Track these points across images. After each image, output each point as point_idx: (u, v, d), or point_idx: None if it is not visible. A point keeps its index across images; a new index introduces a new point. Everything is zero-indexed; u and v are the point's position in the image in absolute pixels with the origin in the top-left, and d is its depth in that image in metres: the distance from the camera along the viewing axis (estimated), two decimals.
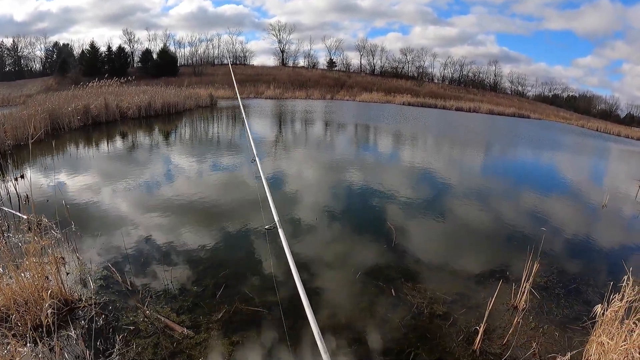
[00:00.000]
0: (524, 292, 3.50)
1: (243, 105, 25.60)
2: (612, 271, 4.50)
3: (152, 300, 3.38)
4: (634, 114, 62.15)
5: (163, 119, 16.63)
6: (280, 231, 2.46)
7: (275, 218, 2.76)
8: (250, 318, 3.26)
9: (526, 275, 3.47)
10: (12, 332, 2.69)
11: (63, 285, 3.25)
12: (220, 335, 3.04)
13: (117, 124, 14.36)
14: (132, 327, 3.02)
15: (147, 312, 3.21)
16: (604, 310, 3.06)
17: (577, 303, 3.80)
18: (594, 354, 2.87)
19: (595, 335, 2.97)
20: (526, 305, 3.52)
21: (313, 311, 2.02)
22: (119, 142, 11.33)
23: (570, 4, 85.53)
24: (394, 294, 3.74)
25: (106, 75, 19.30)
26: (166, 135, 13.07)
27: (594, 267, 4.75)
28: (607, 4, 78.67)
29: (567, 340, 3.21)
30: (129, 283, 3.61)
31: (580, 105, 62.56)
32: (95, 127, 13.44)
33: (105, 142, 11.25)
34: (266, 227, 2.47)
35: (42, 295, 2.97)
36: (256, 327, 3.16)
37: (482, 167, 11.20)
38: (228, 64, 60.07)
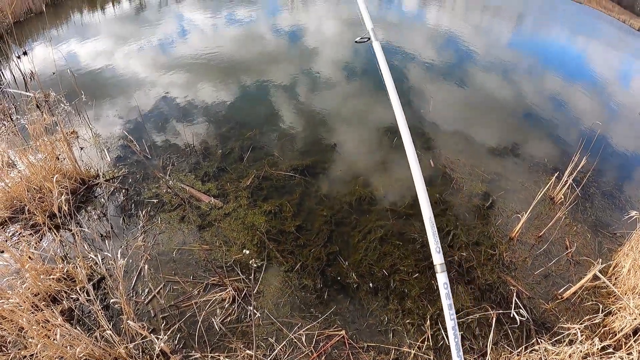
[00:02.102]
0: (564, 185, 2.95)
1: None
2: None
3: (174, 169, 3.03)
4: None
5: None
6: (377, 47, 1.68)
7: (371, 31, 1.82)
8: (281, 184, 2.82)
9: (571, 168, 2.82)
10: (31, 223, 2.47)
11: (77, 163, 2.91)
12: (251, 204, 2.66)
13: None
14: (155, 200, 2.73)
15: (170, 182, 2.87)
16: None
17: (611, 208, 3.17)
18: (625, 268, 2.42)
19: (627, 248, 2.59)
20: (564, 199, 2.98)
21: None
22: (125, 3, 10.04)
23: None
24: (432, 165, 3.23)
25: None
26: None
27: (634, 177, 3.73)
28: None
29: (597, 245, 2.79)
30: (147, 151, 3.24)
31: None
32: None
33: (110, 4, 10.01)
34: (358, 40, 1.74)
35: (53, 181, 2.63)
36: (288, 193, 2.73)
37: (530, 42, 8.77)
38: None
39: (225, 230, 2.50)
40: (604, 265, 2.20)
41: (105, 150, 3.28)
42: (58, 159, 2.98)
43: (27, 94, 4.38)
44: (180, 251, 2.40)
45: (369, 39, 1.73)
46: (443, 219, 2.74)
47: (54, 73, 4.88)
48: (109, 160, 3.16)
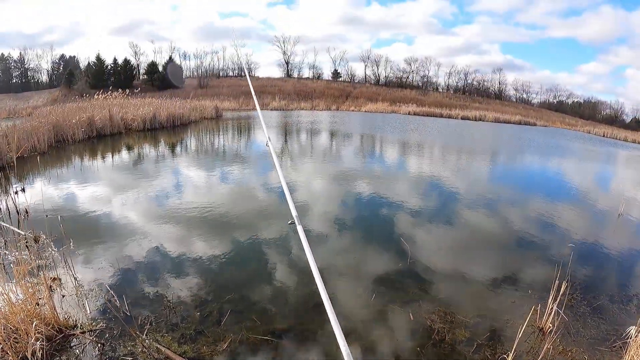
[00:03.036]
0: (550, 313, 3.25)
1: (254, 117, 25.40)
2: (638, 286, 4.26)
3: (152, 328, 3.14)
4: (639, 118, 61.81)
5: (168, 131, 16.60)
6: (300, 230, 2.05)
7: (295, 217, 2.25)
8: (259, 348, 3.01)
9: (553, 294, 3.24)
10: None
11: (56, 311, 3.02)
12: None
13: (121, 136, 14.32)
14: (129, 359, 2.78)
15: (147, 341, 2.96)
16: (637, 332, 2.89)
17: (604, 322, 3.52)
18: None
19: (627, 358, 2.80)
20: (552, 327, 3.25)
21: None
22: (123, 154, 11.24)
23: (573, 11, 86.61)
24: (412, 318, 3.47)
25: (111, 88, 19.38)
26: (171, 147, 12.96)
27: (618, 283, 4.46)
28: (609, 10, 79.06)
29: None
30: (127, 308, 3.36)
31: (586, 112, 62.45)
32: (100, 139, 13.36)
33: (110, 154, 11.14)
34: (289, 222, 2.16)
35: (32, 325, 2.73)
36: (265, 359, 2.90)
37: (493, 176, 10.95)
38: (236, 75, 60.85)
39: None
40: None
41: (86, 301, 3.39)
42: (38, 304, 3.08)
43: (19, 231, 4.62)
44: None
45: (293, 222, 2.07)
46: None
47: (47, 215, 5.22)
48: (89, 312, 3.25)
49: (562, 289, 3.22)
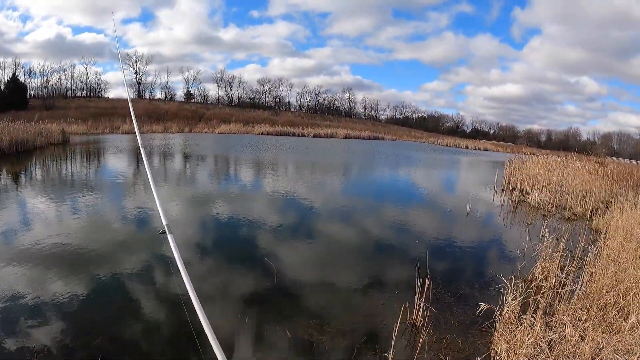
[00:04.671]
0: (419, 308, 3.40)
1: (103, 141, 22.40)
2: (492, 272, 4.76)
3: None
4: (478, 128, 76.28)
5: (11, 158, 13.48)
6: (171, 239, 1.83)
7: (166, 226, 2.13)
8: None
9: (419, 291, 3.39)
10: None
11: None
12: None
13: None
14: None
15: None
16: (501, 312, 3.25)
17: (470, 308, 3.81)
18: (502, 352, 2.88)
19: (497, 335, 3.07)
20: (424, 320, 3.41)
21: None
22: None
23: (418, 36, 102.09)
24: (289, 335, 3.21)
25: None
26: (16, 177, 10.35)
27: (474, 272, 4.98)
28: (452, 36, 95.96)
29: (471, 345, 3.17)
30: None
31: (430, 125, 73.78)
32: None
33: None
34: (159, 232, 2.04)
35: None
36: None
37: (348, 188, 11.49)
38: (84, 95, 53.64)
39: None
40: None
41: None
42: None
43: None
44: None
45: (164, 232, 1.91)
46: None
47: None
48: None
49: (426, 284, 3.40)
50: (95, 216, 6.43)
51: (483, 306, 3.41)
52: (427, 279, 3.46)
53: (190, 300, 1.73)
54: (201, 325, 1.72)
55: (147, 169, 2.21)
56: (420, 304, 3.39)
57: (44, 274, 4.07)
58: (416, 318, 3.43)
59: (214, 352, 1.56)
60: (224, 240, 5.73)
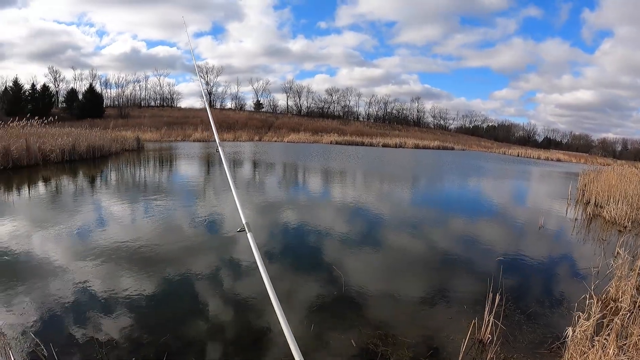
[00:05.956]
0: (487, 324, 3.33)
1: (175, 148, 24.19)
2: (563, 290, 4.57)
3: None
4: (551, 138, 70.89)
5: (88, 163, 15.16)
6: (250, 237, 1.87)
7: (245, 225, 2.03)
8: None
9: (488, 307, 3.33)
10: None
11: None
12: None
13: (39, 167, 12.83)
14: None
15: None
16: (572, 332, 3.06)
17: (540, 327, 3.68)
18: None
19: (567, 357, 2.96)
20: (492, 337, 3.32)
21: None
22: (42, 188, 10.01)
23: (487, 43, 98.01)
24: (355, 345, 3.28)
25: (28, 115, 16.98)
26: (92, 180, 11.69)
27: (545, 289, 4.76)
28: (520, 41, 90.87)
29: None
30: (55, 356, 2.79)
31: (500, 134, 69.73)
32: (16, 171, 11.83)
33: (27, 188, 9.84)
34: (238, 230, 1.95)
35: None
36: None
37: (418, 198, 11.35)
38: (157, 105, 58.20)
39: None
40: None
41: (9, 350, 2.79)
42: None
43: None
44: None
45: (243, 229, 1.91)
46: None
47: None
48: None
49: (496, 300, 3.33)
50: (170, 216, 7.07)
51: (553, 325, 3.32)
52: (497, 294, 3.39)
53: (269, 299, 1.72)
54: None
55: (225, 169, 2.40)
56: (489, 320, 3.32)
57: (119, 270, 4.47)
58: (484, 335, 3.35)
59: (290, 355, 1.47)
60: (294, 245, 5.98)
